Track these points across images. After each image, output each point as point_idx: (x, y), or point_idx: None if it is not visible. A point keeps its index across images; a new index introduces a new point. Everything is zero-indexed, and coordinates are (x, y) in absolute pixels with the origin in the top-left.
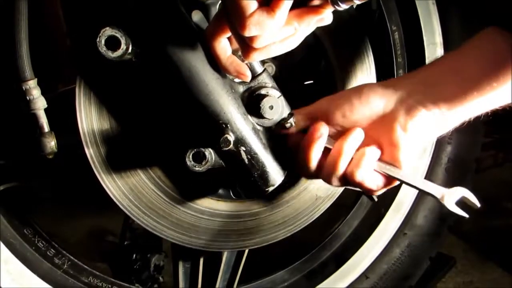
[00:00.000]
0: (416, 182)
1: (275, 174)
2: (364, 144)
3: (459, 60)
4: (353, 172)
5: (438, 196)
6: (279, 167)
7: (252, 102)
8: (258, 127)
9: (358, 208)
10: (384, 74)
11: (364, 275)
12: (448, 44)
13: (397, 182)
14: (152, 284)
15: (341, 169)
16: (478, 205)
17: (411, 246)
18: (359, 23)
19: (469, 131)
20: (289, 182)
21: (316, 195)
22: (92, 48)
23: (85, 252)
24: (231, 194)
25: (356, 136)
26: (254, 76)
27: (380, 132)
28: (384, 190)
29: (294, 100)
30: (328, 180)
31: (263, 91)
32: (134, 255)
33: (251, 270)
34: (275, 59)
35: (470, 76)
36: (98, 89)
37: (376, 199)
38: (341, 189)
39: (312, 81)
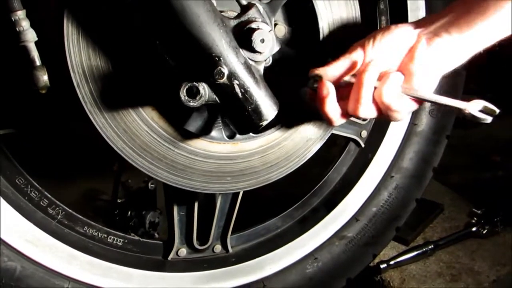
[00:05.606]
0: (442, 99)
1: (268, 109)
2: None
3: None
4: (381, 95)
5: (464, 107)
6: (272, 102)
7: (243, 36)
8: (250, 62)
9: (346, 155)
10: (367, 21)
11: (355, 218)
12: None
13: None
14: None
15: (366, 96)
16: (497, 110)
17: (398, 188)
18: None
19: None
20: (281, 123)
21: (307, 136)
22: None
23: (80, 212)
24: (224, 135)
25: (373, 67)
26: (244, 10)
27: (403, 63)
28: (410, 111)
29: None
30: (356, 112)
31: (253, 25)
32: (129, 212)
33: (244, 220)
34: None
35: (476, 3)
36: (87, 25)
37: (363, 145)
38: (331, 130)
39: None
